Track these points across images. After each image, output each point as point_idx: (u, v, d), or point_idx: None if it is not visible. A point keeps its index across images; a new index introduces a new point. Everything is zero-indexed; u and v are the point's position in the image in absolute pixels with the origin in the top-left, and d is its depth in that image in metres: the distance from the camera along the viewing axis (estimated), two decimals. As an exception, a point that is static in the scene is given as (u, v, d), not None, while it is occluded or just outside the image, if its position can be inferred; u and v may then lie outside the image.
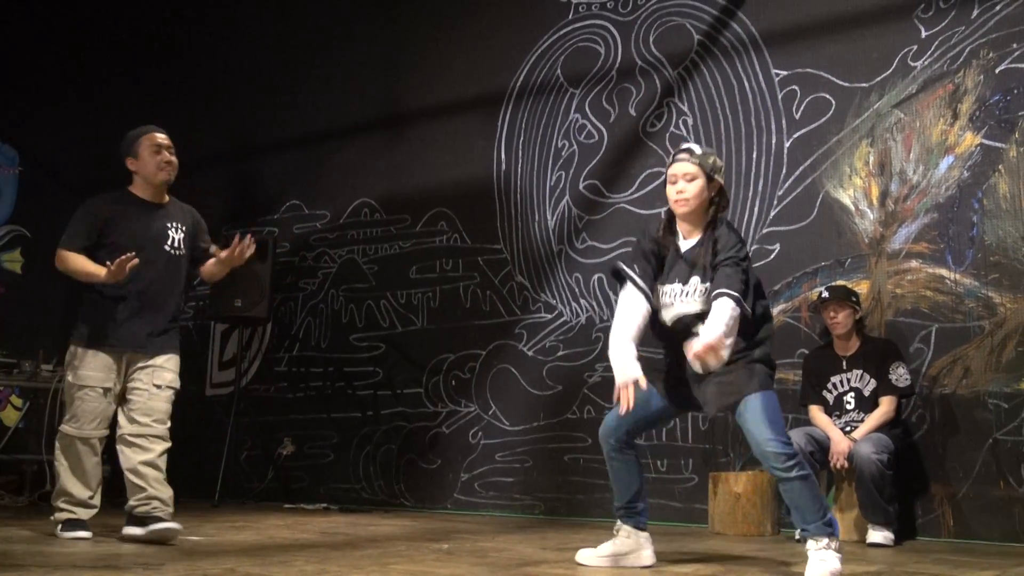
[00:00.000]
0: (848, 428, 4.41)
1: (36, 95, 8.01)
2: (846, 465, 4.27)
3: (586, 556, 3.26)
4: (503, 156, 6.29)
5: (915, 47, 4.94)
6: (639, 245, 3.23)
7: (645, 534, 3.25)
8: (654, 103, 5.75)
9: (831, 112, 5.14)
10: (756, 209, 5.29)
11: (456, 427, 6.09)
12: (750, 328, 3.07)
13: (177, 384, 4.08)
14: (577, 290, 5.79)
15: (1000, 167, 4.63)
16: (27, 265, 7.90)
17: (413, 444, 6.23)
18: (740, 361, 3.04)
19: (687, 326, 3.08)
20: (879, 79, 5.02)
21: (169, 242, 3.99)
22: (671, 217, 3.22)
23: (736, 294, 2.94)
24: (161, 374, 3.98)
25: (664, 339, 3.24)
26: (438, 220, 6.46)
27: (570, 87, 6.10)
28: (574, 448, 5.57)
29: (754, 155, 5.37)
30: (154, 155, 4.06)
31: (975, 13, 4.80)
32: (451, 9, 6.73)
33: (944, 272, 4.68)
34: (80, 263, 3.83)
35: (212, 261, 4.12)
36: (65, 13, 8.26)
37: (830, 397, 4.55)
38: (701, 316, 3.01)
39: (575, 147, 5.97)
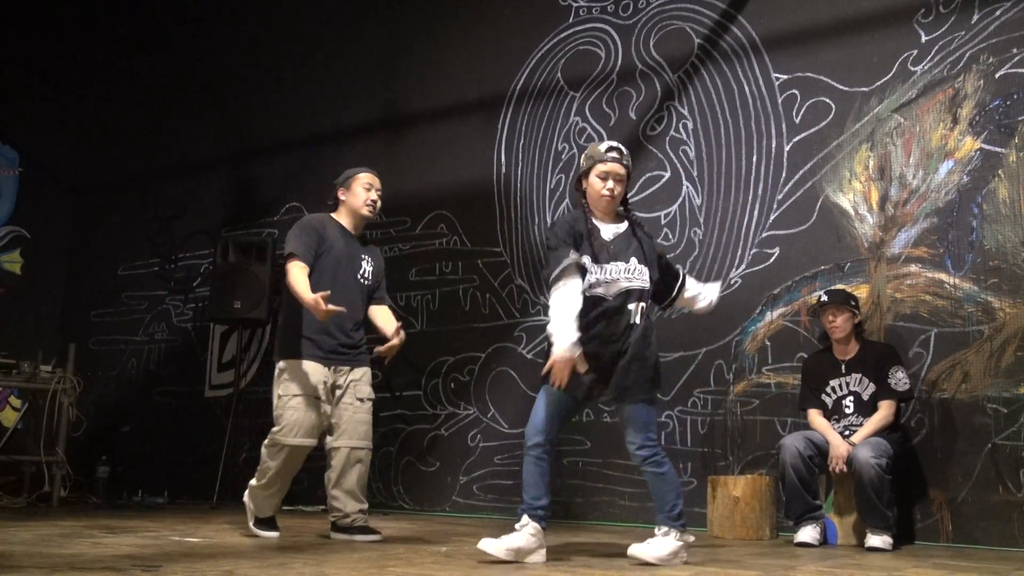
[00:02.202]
0: (847, 432, 4.41)
1: (36, 96, 8.02)
2: (845, 469, 4.27)
3: (491, 545, 3.27)
4: (503, 159, 6.30)
5: (915, 52, 4.95)
6: (566, 239, 3.45)
7: (543, 533, 3.40)
8: (654, 107, 5.76)
9: (831, 116, 5.14)
10: (756, 213, 5.30)
11: (455, 430, 6.09)
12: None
13: (373, 395, 4.31)
14: (576, 293, 5.78)
15: (1000, 172, 4.63)
16: (27, 266, 7.91)
17: (412, 446, 6.23)
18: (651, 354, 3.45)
19: (624, 300, 3.42)
20: (879, 83, 5.02)
21: (361, 272, 4.31)
22: (585, 207, 3.57)
23: None
24: (361, 387, 4.22)
25: (592, 317, 3.40)
26: (438, 223, 6.46)
27: (570, 90, 6.11)
28: (573, 451, 5.57)
29: (754, 159, 5.37)
30: (365, 191, 4.42)
31: (975, 18, 4.80)
32: (451, 11, 6.74)
33: (943, 276, 4.69)
34: (304, 281, 4.03)
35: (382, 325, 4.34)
36: (65, 15, 8.26)
37: (829, 401, 4.55)
38: (642, 292, 3.46)
39: (575, 150, 5.98)
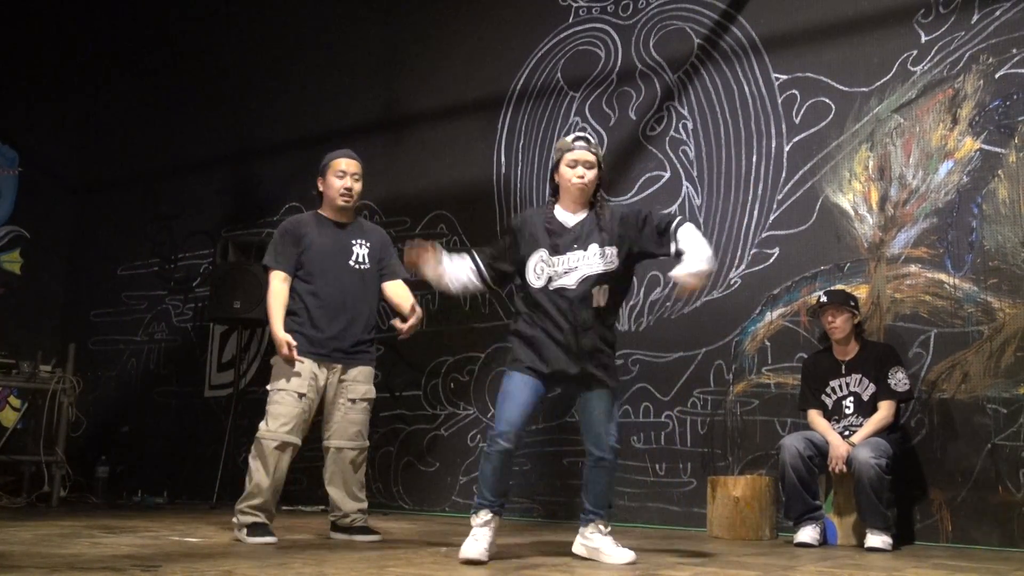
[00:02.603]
0: (847, 432, 4.41)
1: (36, 96, 8.02)
2: (844, 470, 4.27)
3: (474, 551, 3.25)
4: (503, 159, 6.30)
5: (915, 52, 4.95)
6: (506, 231, 3.61)
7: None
8: (654, 107, 5.76)
9: (831, 116, 5.14)
10: (755, 213, 5.30)
11: (455, 430, 6.09)
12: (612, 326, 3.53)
13: (372, 395, 4.23)
14: (576, 293, 5.78)
15: (999, 172, 4.63)
16: (27, 266, 7.91)
17: (412, 447, 6.23)
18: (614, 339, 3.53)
19: (588, 287, 3.41)
20: (879, 84, 5.02)
21: (353, 258, 4.18)
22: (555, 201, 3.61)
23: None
24: (355, 387, 4.14)
25: (553, 307, 3.42)
26: (438, 223, 6.46)
27: (570, 90, 6.11)
28: (572, 451, 5.56)
29: (754, 159, 5.37)
30: (338, 179, 4.20)
31: (975, 18, 4.80)
32: (451, 11, 6.74)
33: (943, 277, 4.69)
34: (278, 307, 4.04)
35: (396, 295, 4.26)
36: (65, 14, 8.26)
37: (829, 401, 4.55)
38: (603, 276, 3.42)
39: (575, 150, 5.97)
